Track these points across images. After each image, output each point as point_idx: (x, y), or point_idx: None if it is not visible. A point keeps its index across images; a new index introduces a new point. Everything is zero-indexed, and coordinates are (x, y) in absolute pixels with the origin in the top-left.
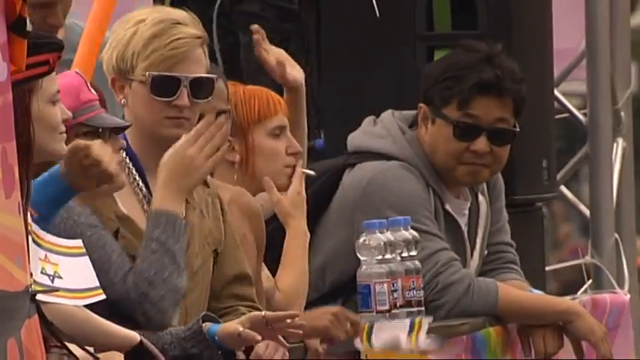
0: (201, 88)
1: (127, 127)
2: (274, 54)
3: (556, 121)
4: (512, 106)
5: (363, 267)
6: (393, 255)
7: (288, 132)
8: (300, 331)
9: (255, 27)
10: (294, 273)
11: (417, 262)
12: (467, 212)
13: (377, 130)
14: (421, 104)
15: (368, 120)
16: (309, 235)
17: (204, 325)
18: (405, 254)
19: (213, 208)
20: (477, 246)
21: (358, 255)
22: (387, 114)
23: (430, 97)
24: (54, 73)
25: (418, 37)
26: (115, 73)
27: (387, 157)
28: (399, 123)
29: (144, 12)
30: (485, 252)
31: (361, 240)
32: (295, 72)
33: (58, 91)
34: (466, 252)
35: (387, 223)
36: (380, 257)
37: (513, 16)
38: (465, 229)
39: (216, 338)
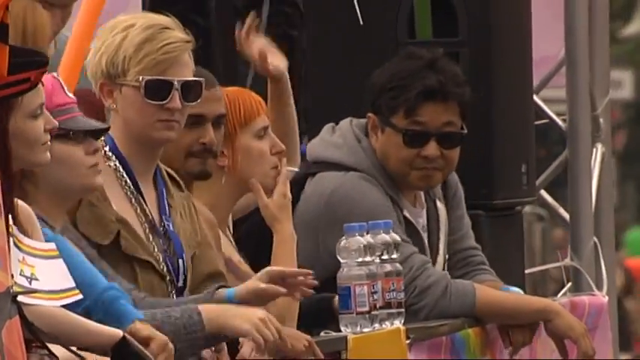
0: (190, 91)
1: (104, 129)
2: (257, 45)
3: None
4: (458, 109)
5: (344, 269)
6: (373, 257)
7: (271, 131)
8: (311, 290)
9: (251, 15)
10: None
11: (397, 265)
12: (423, 219)
13: (334, 140)
14: (370, 114)
15: (327, 128)
16: (295, 237)
17: (218, 291)
18: (385, 257)
19: (189, 211)
20: (440, 251)
21: (338, 257)
22: (345, 122)
23: (378, 107)
24: (38, 87)
25: (400, 44)
26: (104, 78)
27: (345, 168)
28: (355, 131)
29: (130, 18)
30: (447, 256)
31: (341, 242)
32: (277, 61)
33: (42, 104)
34: (428, 257)
35: (367, 226)
36: (360, 259)
37: (493, 23)
38: (424, 235)
39: (235, 299)
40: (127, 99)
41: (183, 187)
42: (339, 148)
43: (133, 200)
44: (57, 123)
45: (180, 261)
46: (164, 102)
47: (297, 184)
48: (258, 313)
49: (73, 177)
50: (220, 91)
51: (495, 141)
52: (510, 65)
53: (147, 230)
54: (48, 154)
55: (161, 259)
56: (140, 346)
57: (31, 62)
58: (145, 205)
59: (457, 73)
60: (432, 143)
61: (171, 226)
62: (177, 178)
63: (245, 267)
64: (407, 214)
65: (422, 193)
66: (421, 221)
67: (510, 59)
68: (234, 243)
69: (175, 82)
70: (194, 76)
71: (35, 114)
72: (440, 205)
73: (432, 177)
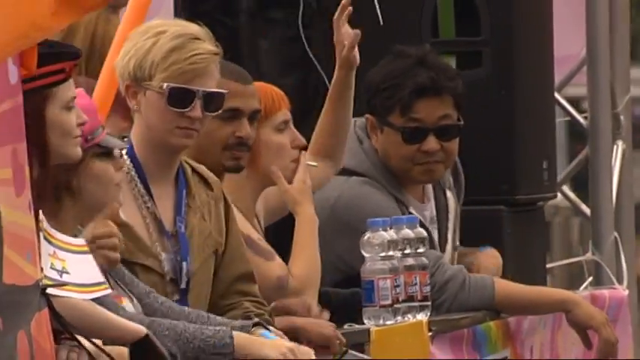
0: (212, 101)
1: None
2: (347, 31)
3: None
4: (452, 101)
5: (367, 263)
6: (396, 252)
7: (292, 125)
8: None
9: (344, 3)
10: (305, 259)
11: (422, 259)
12: (430, 212)
13: None
14: (367, 115)
15: None
16: (317, 220)
17: (254, 330)
18: (407, 251)
19: (216, 211)
20: (449, 240)
21: (362, 252)
22: None
23: (374, 107)
24: (70, 80)
25: (424, 43)
26: (131, 80)
27: (348, 172)
28: (358, 132)
29: (162, 23)
30: (457, 243)
31: (365, 237)
32: (357, 54)
33: (74, 98)
34: (436, 250)
35: (390, 222)
36: (383, 254)
37: (515, 23)
38: (431, 227)
39: None
40: (150, 103)
41: (214, 187)
42: None
43: (141, 202)
44: (87, 118)
45: (184, 263)
46: (185, 110)
47: None
48: (287, 343)
49: (105, 193)
50: (254, 87)
51: (517, 138)
52: (532, 64)
53: (151, 230)
54: (79, 148)
55: (164, 259)
56: (161, 346)
57: (66, 53)
58: (154, 207)
59: (447, 67)
60: (430, 138)
61: (182, 227)
62: (209, 179)
63: (264, 244)
64: (412, 211)
65: (429, 186)
66: (428, 214)
67: (532, 58)
68: (262, 234)
69: (198, 92)
70: (230, 72)
71: (69, 105)
72: (449, 194)
73: (434, 170)
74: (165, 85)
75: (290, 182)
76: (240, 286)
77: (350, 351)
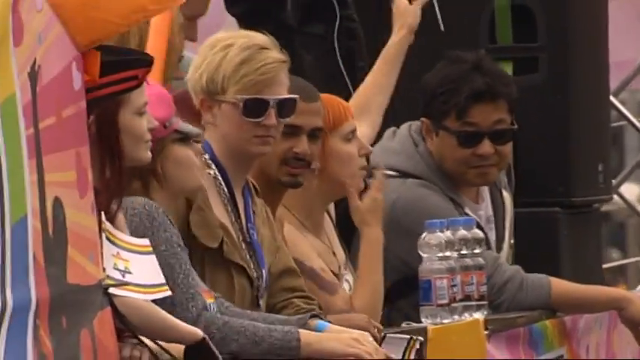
0: (285, 108)
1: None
2: None
3: None
4: (507, 106)
5: (425, 263)
6: (453, 252)
7: (358, 134)
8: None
9: None
10: (368, 289)
11: (479, 259)
12: (485, 211)
13: (393, 146)
14: (423, 118)
15: (387, 133)
16: (382, 239)
17: (310, 321)
18: (464, 252)
19: (266, 216)
20: (506, 238)
21: (420, 252)
22: (404, 127)
23: (430, 111)
24: (143, 86)
25: (482, 49)
26: (204, 94)
27: (404, 175)
28: (413, 136)
29: (229, 36)
30: (512, 241)
31: (423, 238)
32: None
33: (146, 103)
34: (492, 250)
35: (447, 223)
36: (440, 254)
37: (571, 28)
38: (487, 226)
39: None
40: (226, 115)
41: (260, 193)
42: (397, 154)
43: (230, 208)
44: (157, 123)
45: (263, 270)
46: (260, 119)
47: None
48: (352, 334)
49: (189, 177)
50: (320, 105)
51: (573, 141)
52: (587, 69)
53: (240, 237)
54: (149, 152)
55: (252, 265)
56: (216, 351)
57: (139, 60)
58: (238, 213)
59: (502, 73)
60: (485, 142)
61: (255, 234)
62: (255, 185)
63: (328, 275)
64: (468, 211)
65: (484, 187)
66: (483, 214)
67: (588, 63)
68: (332, 240)
69: (271, 101)
70: (294, 89)
71: (141, 111)
72: (505, 193)
73: (488, 173)
74: (238, 97)
75: (359, 191)
76: (285, 282)
77: (388, 334)
